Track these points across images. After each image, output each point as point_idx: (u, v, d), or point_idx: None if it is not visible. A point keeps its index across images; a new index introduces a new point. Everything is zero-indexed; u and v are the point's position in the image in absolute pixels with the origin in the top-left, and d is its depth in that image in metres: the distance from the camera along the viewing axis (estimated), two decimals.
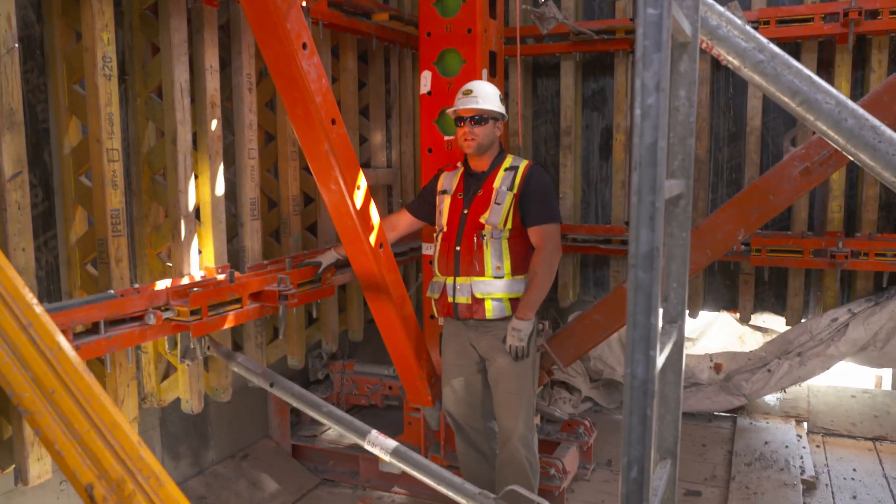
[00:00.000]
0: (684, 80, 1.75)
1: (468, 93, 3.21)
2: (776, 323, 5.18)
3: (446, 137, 3.75)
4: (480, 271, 3.16)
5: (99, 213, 2.80)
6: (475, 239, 3.17)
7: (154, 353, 3.26)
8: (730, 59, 1.91)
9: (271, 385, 2.95)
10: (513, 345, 3.10)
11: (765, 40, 1.90)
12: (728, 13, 1.87)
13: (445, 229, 3.29)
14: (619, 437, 4.54)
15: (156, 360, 3.27)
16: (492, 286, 3.16)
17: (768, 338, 5.16)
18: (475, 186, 3.27)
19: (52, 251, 2.90)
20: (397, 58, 4.80)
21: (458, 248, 3.21)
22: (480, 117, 3.17)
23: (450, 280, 3.23)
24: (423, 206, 3.49)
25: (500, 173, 3.23)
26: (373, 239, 2.97)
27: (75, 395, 1.21)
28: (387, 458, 2.69)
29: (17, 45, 2.41)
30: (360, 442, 2.75)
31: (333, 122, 2.68)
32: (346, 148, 2.76)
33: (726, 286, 5.05)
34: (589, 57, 5.14)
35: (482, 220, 3.17)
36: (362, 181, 2.88)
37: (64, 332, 2.45)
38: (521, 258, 3.19)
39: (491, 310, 3.15)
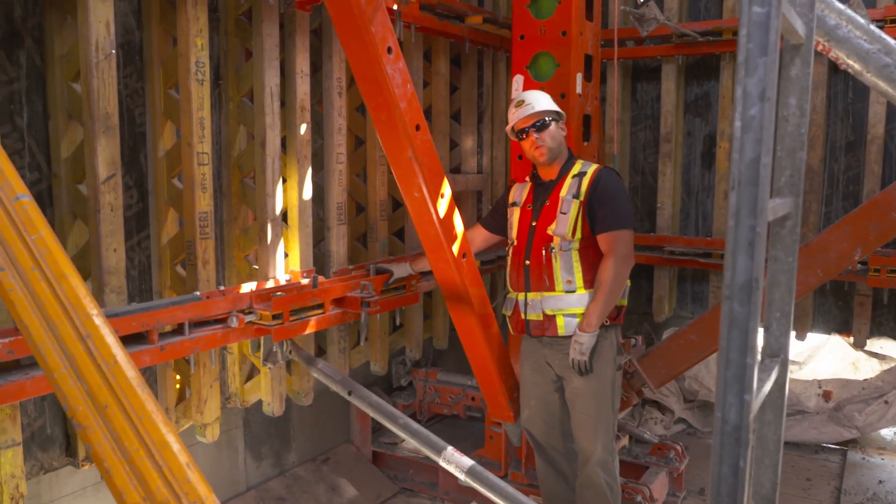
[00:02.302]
0: (795, 86, 1.57)
1: (520, 103, 3.08)
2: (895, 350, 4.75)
3: None
4: (550, 286, 3.01)
5: (188, 216, 2.85)
6: (544, 252, 3.02)
7: (239, 354, 3.30)
8: (850, 62, 1.71)
9: (349, 393, 2.92)
10: (574, 358, 2.94)
11: (893, 42, 1.69)
12: (849, 11, 1.67)
13: (515, 243, 3.16)
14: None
15: (240, 360, 3.31)
16: (563, 301, 3.00)
17: (886, 366, 4.74)
18: (543, 196, 3.11)
19: (144, 251, 2.98)
20: (491, 61, 4.70)
21: (527, 263, 3.07)
22: (542, 122, 3.02)
23: (521, 296, 3.10)
24: (497, 220, 3.38)
25: (568, 181, 3.06)
26: (456, 248, 2.89)
27: (127, 410, 1.18)
28: (462, 476, 2.59)
29: (114, 51, 2.47)
30: (434, 458, 2.67)
31: (418, 128, 2.61)
32: (430, 155, 2.69)
33: (839, 307, 4.67)
34: (692, 60, 4.88)
35: (549, 232, 3.02)
36: (446, 189, 2.81)
37: (150, 332, 2.51)
38: (595, 270, 3.00)
39: (563, 326, 3.00)
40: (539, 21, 3.55)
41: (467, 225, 4.61)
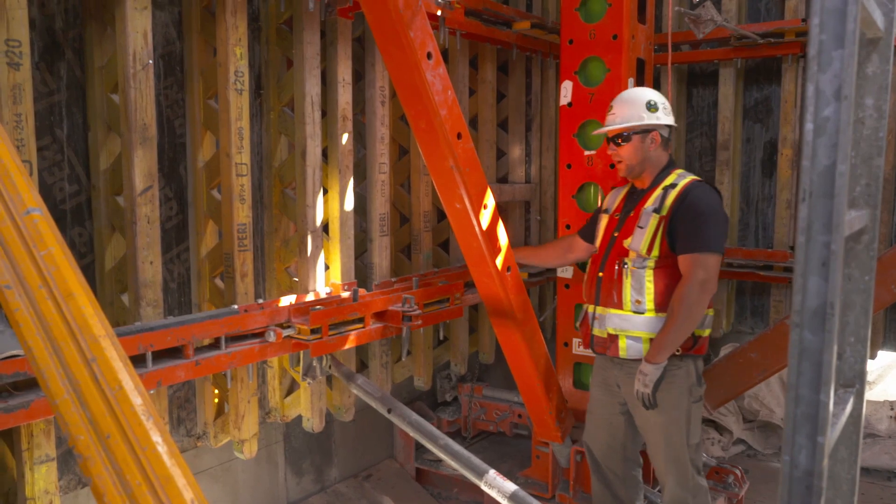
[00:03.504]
0: (873, 85, 1.40)
1: (609, 109, 2.91)
2: None
3: (587, 152, 3.48)
4: (618, 303, 2.80)
5: (226, 228, 2.80)
6: (616, 266, 2.82)
7: (279, 368, 3.24)
8: None
9: (389, 411, 2.82)
10: (638, 390, 2.71)
11: None
12: None
13: (596, 251, 2.98)
14: (776, 491, 4.02)
15: (280, 374, 3.25)
16: (628, 322, 2.78)
17: None
18: (631, 206, 2.89)
19: (184, 263, 2.94)
20: (539, 68, 4.58)
21: (600, 275, 2.88)
22: (620, 136, 2.84)
23: (591, 308, 2.92)
24: (591, 228, 3.15)
25: (657, 192, 2.81)
26: (499, 262, 2.77)
27: (131, 441, 1.10)
28: (504, 502, 2.46)
29: (151, 61, 2.44)
30: (476, 482, 2.54)
31: (459, 136, 2.51)
32: (472, 164, 2.59)
33: None
34: (752, 63, 4.66)
35: (625, 245, 2.80)
36: (489, 200, 2.69)
37: (185, 346, 2.46)
38: (670, 293, 2.72)
39: (625, 348, 2.79)
40: (589, 25, 3.41)
41: (513, 238, 4.50)
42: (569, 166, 3.54)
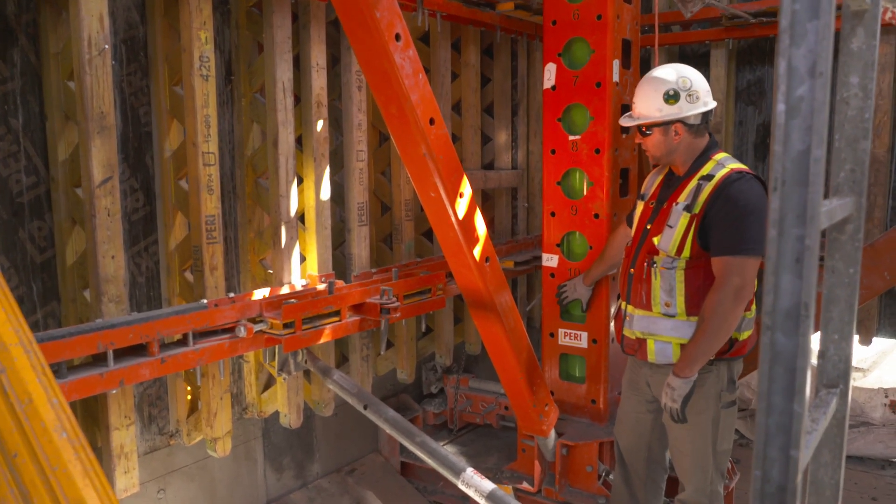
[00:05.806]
0: (858, 62, 1.30)
1: (634, 96, 2.73)
2: None
3: (571, 137, 3.37)
4: (647, 304, 2.61)
5: (194, 219, 2.70)
6: (646, 264, 2.62)
7: (255, 363, 3.15)
8: None
9: (365, 407, 2.73)
10: (666, 403, 2.54)
11: None
12: None
13: (630, 243, 2.80)
14: None
15: (257, 369, 3.17)
16: (657, 325, 2.60)
17: None
18: (665, 194, 2.66)
19: (153, 257, 2.84)
20: (525, 50, 4.46)
21: (632, 271, 2.71)
22: (641, 129, 2.67)
23: (623, 305, 2.76)
24: (632, 214, 2.92)
25: (691, 184, 2.57)
26: (477, 252, 2.67)
27: (41, 460, 1.00)
28: (482, 501, 2.38)
29: (107, 46, 2.33)
30: (453, 480, 2.46)
31: (432, 122, 2.40)
32: (446, 151, 2.48)
33: None
34: (744, 44, 4.54)
35: (655, 243, 2.60)
36: (466, 188, 2.58)
37: (149, 343, 2.36)
38: (703, 295, 2.51)
39: (654, 352, 2.61)
40: (572, 5, 3.30)
41: (500, 226, 4.40)
42: (553, 152, 3.43)
